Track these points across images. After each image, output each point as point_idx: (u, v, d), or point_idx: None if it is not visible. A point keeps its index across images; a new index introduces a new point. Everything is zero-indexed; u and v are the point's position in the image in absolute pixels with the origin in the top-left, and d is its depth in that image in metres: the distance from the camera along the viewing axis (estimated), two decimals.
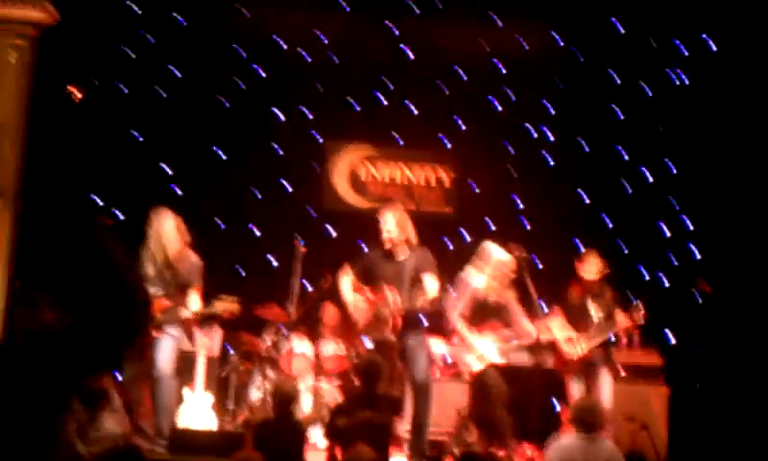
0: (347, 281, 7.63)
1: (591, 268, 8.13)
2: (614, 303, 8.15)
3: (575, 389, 7.97)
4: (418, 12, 10.85)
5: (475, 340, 7.81)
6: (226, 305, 7.31)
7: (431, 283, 7.37)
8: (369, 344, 7.83)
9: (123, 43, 10.53)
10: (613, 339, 8.24)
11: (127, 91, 10.57)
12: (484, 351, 7.78)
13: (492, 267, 7.85)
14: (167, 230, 7.30)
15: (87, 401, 5.95)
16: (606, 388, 8.03)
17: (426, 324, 7.66)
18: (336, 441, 6.58)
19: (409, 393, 7.70)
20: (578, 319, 8.05)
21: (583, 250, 8.56)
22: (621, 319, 8.00)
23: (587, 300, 8.13)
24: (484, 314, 7.90)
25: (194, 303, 7.20)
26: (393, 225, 7.45)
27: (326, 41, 10.93)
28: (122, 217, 10.24)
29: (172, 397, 7.28)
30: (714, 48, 10.70)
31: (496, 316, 7.92)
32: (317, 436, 7.94)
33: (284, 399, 6.71)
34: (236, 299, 7.38)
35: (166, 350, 7.19)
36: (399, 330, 7.33)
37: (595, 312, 8.09)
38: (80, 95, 9.91)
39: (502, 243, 8.11)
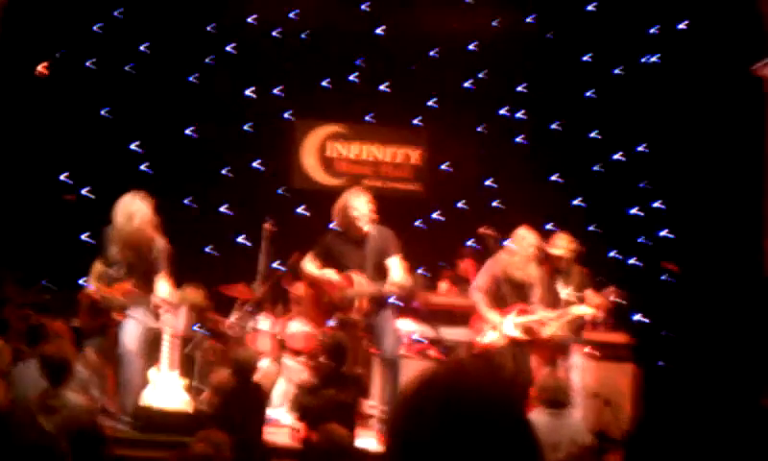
0: (311, 267, 7.53)
1: (559, 243, 8.14)
2: (585, 280, 8.15)
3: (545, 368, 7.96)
4: None
5: (491, 315, 7.74)
6: (193, 298, 7.23)
7: (396, 266, 7.23)
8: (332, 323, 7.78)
9: (91, 20, 10.41)
10: (584, 317, 8.22)
11: (94, 69, 10.46)
12: (501, 325, 7.71)
13: (516, 244, 7.84)
14: (132, 212, 7.16)
15: (50, 373, 5.88)
16: (576, 366, 8.05)
17: (394, 304, 7.62)
18: (304, 419, 6.57)
19: (377, 370, 7.67)
20: (547, 297, 8.05)
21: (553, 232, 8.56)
22: (592, 298, 8.01)
23: (555, 278, 8.13)
24: (509, 293, 7.84)
25: (162, 289, 7.09)
26: (363, 206, 7.28)
27: (297, 19, 10.87)
28: (91, 196, 10.15)
29: (136, 375, 7.20)
30: (683, 28, 10.72)
31: (521, 295, 7.88)
32: (281, 413, 7.91)
33: (242, 366, 6.71)
34: (202, 290, 7.30)
35: (131, 328, 7.12)
36: (366, 311, 7.28)
37: (563, 290, 8.09)
38: (46, 73, 9.80)
39: (473, 223, 8.09)
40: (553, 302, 8.03)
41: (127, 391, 7.11)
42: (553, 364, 7.94)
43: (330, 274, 7.40)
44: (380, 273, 7.23)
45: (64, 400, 5.78)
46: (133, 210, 7.08)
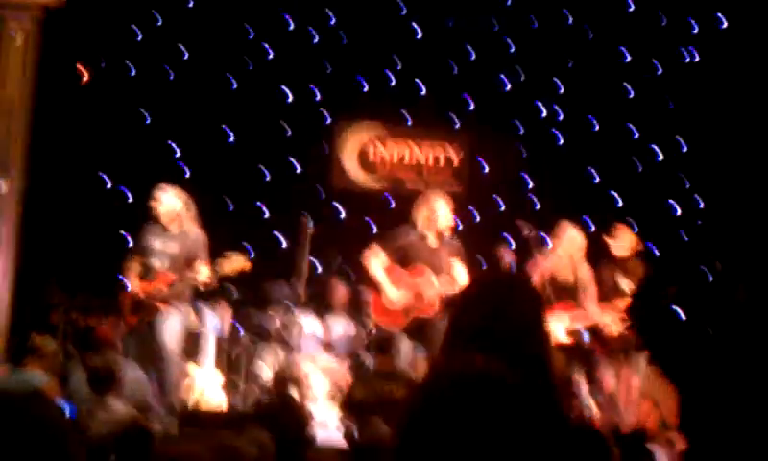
0: (376, 261, 7.63)
1: (623, 243, 8.02)
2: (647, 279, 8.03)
3: (607, 371, 7.84)
4: None
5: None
6: (233, 264, 7.26)
7: (461, 271, 7.48)
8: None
9: (131, 23, 10.51)
10: None
11: (134, 71, 10.56)
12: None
13: (563, 244, 7.80)
14: (170, 204, 7.32)
15: (95, 383, 5.94)
16: (640, 369, 7.93)
17: None
18: (352, 414, 6.57)
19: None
20: (611, 297, 7.91)
21: (613, 225, 8.37)
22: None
23: (618, 277, 7.99)
24: (555, 293, 7.77)
25: (203, 272, 7.18)
26: (447, 212, 7.61)
27: (335, 20, 10.89)
28: (131, 197, 10.24)
29: (179, 375, 7.28)
30: (725, 25, 10.62)
31: (568, 295, 7.81)
32: (328, 415, 7.93)
33: (282, 380, 6.76)
34: (242, 254, 7.33)
35: (173, 328, 7.18)
36: (438, 310, 7.39)
37: (628, 289, 7.94)
38: (87, 75, 9.91)
39: (512, 221, 8.04)
40: (617, 297, 7.90)
41: (171, 392, 7.16)
42: (617, 367, 7.78)
43: (389, 288, 7.47)
44: (449, 278, 7.49)
45: (110, 408, 5.83)
46: (173, 201, 7.26)
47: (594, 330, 7.74)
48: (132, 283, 7.29)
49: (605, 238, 8.07)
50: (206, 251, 7.31)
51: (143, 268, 7.32)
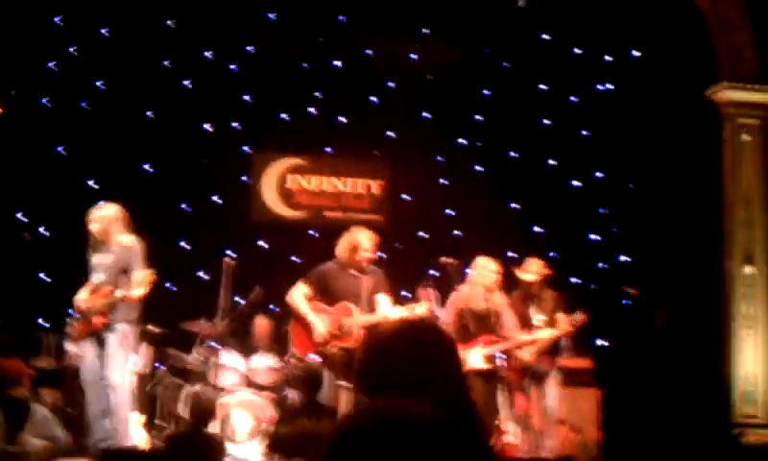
0: (300, 294, 7.63)
1: (531, 268, 8.15)
2: (558, 304, 8.16)
3: (521, 395, 7.97)
4: (346, 22, 10.84)
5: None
6: (141, 278, 7.10)
7: (387, 305, 7.52)
8: (313, 356, 7.78)
9: (45, 56, 10.32)
10: (557, 342, 8.19)
11: (50, 105, 10.37)
12: (468, 359, 7.69)
13: (477, 274, 7.88)
14: (102, 219, 7.25)
15: (9, 415, 5.78)
16: (552, 394, 8.08)
17: None
18: (276, 451, 6.50)
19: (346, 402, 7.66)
20: (521, 325, 8.03)
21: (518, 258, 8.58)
22: (563, 321, 8.02)
23: (528, 304, 8.12)
24: (474, 324, 7.83)
25: (138, 280, 7.02)
26: (370, 245, 7.66)
27: (254, 53, 10.86)
28: (47, 234, 10.03)
29: (98, 410, 7.10)
30: (637, 54, 10.88)
31: (485, 323, 7.85)
32: (251, 452, 7.83)
33: (200, 417, 6.66)
34: (151, 271, 7.17)
35: (90, 361, 7.05)
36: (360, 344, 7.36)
37: (536, 315, 8.07)
38: (0, 110, 9.69)
39: (434, 253, 8.09)
40: (525, 327, 8.03)
41: (89, 427, 7.00)
42: (524, 391, 7.94)
43: (314, 318, 7.46)
44: (371, 308, 7.54)
45: (25, 444, 5.68)
46: (99, 212, 7.19)
47: (508, 356, 7.84)
48: (79, 296, 7.18)
49: (514, 269, 8.21)
50: (142, 258, 7.18)
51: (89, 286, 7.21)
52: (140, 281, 6.99)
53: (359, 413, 1.85)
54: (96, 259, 7.26)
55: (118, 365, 7.05)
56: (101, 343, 7.07)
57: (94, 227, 7.27)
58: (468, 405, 2.38)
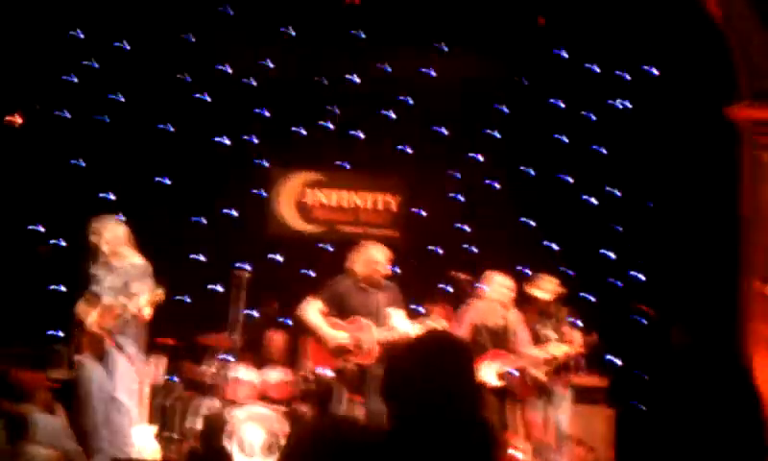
0: (314, 309, 7.62)
1: (545, 286, 8.13)
2: (570, 322, 8.14)
3: (533, 413, 7.94)
4: (364, 38, 10.87)
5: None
6: (150, 296, 7.09)
7: (401, 320, 7.50)
8: (327, 371, 7.78)
9: (66, 69, 10.40)
10: (570, 360, 8.17)
11: (69, 117, 10.43)
12: (481, 374, 7.69)
13: (492, 290, 7.87)
14: (117, 237, 7.25)
15: (10, 430, 5.79)
16: (564, 411, 8.04)
17: None
18: None
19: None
20: (534, 342, 8.00)
21: (531, 274, 8.57)
22: (577, 340, 8.00)
23: (541, 322, 8.10)
24: (490, 340, 7.83)
25: (141, 300, 7.02)
26: (383, 260, 7.68)
27: (272, 67, 10.90)
28: (64, 245, 10.07)
29: (106, 422, 7.11)
30: (655, 73, 10.84)
31: (500, 339, 7.84)
32: None
33: (213, 431, 6.66)
34: (162, 288, 7.18)
35: (99, 374, 7.06)
36: (378, 357, 7.36)
37: (550, 333, 8.06)
38: (19, 121, 9.77)
39: (448, 268, 8.08)
40: (538, 345, 8.01)
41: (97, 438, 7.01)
42: (536, 408, 7.91)
43: (329, 330, 7.45)
44: (383, 323, 7.52)
45: (29, 455, 5.68)
46: (110, 233, 7.16)
47: (522, 373, 7.83)
48: (89, 318, 7.16)
49: (526, 287, 8.18)
50: (149, 279, 7.18)
51: (94, 303, 7.19)
52: (150, 301, 6.98)
53: (317, 426, 1.87)
54: (101, 275, 7.21)
55: (125, 384, 7.04)
56: (108, 360, 7.06)
57: (104, 246, 7.21)
58: (483, 421, 2.38)
